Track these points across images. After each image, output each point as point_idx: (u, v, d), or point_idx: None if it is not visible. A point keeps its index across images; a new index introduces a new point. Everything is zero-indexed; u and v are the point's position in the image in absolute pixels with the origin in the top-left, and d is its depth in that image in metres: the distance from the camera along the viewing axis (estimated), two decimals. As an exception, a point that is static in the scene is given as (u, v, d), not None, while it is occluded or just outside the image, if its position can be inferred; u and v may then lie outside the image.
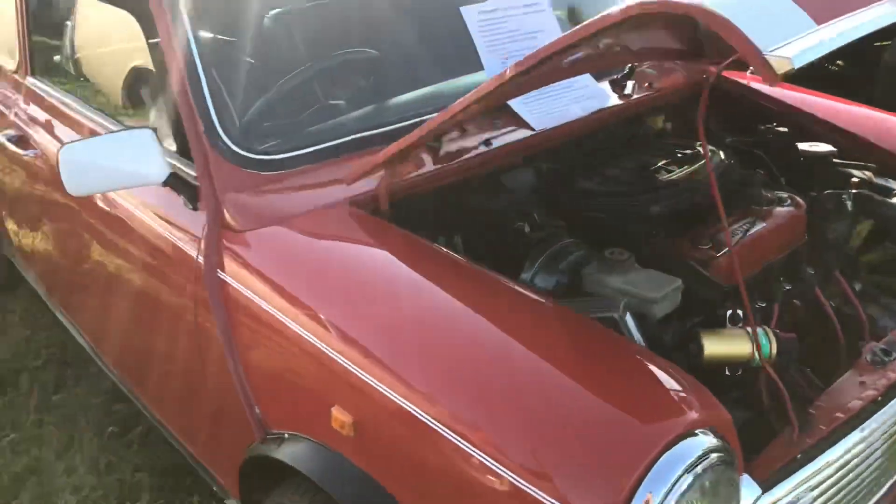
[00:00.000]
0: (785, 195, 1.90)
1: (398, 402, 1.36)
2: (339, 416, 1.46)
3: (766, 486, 1.34)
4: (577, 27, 1.37)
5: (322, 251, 1.70)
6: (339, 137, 1.86)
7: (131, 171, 1.75)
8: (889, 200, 1.99)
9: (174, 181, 1.79)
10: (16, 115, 2.71)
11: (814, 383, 1.63)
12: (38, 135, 2.54)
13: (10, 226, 3.13)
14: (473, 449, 1.27)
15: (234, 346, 1.69)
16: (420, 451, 1.36)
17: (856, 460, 1.48)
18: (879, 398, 1.52)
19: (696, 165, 1.94)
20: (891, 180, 2.08)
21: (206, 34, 1.85)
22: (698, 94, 2.40)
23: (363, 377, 1.41)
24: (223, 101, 1.80)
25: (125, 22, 2.42)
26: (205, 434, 2.03)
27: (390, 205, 1.75)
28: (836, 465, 1.44)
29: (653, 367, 1.33)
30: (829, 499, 1.45)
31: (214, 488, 2.09)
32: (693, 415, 1.25)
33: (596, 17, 1.33)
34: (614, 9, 1.33)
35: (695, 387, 1.31)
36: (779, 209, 1.86)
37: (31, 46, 2.67)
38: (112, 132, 1.86)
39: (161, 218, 1.94)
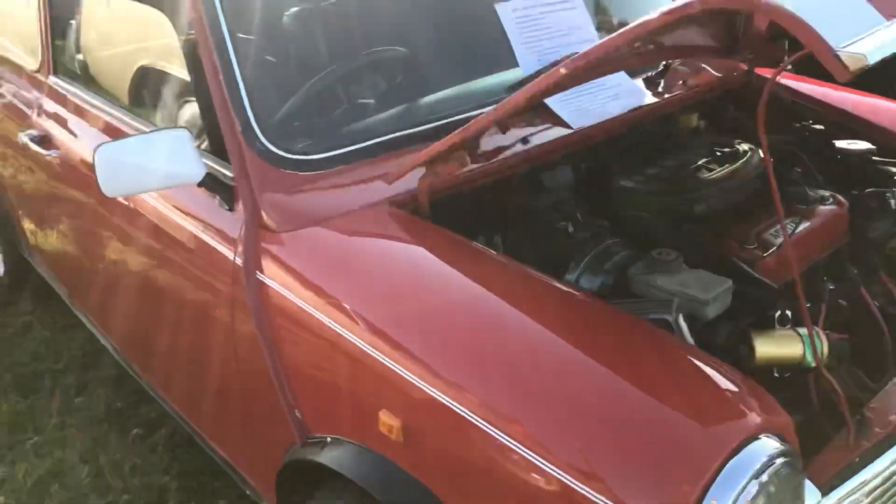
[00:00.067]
0: (827, 194, 1.88)
1: (451, 406, 1.33)
2: (388, 419, 1.43)
3: (825, 490, 1.32)
4: (637, 23, 1.34)
5: (364, 252, 1.67)
6: (375, 137, 1.83)
7: (167, 171, 1.72)
8: None
9: (209, 182, 1.77)
10: (38, 114, 2.69)
11: (866, 385, 1.60)
12: (62, 135, 2.51)
13: (29, 226, 3.11)
14: (527, 451, 1.24)
15: (273, 348, 1.67)
16: (472, 456, 1.33)
17: (913, 463, 1.45)
18: None
19: (738, 164, 1.91)
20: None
21: (241, 33, 1.82)
22: (730, 91, 2.38)
23: (413, 381, 1.38)
24: (260, 100, 1.78)
25: (138, 20, 2.41)
26: (239, 437, 2.00)
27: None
28: (894, 468, 1.42)
29: (711, 370, 1.30)
30: (886, 502, 1.43)
31: (248, 492, 2.06)
32: (756, 419, 1.22)
33: (656, 14, 1.30)
34: (676, 4, 1.30)
35: (755, 390, 1.28)
36: (822, 208, 1.84)
37: (53, 45, 2.64)
38: (146, 132, 1.83)
39: (194, 219, 1.92)
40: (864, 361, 1.69)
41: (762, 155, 1.98)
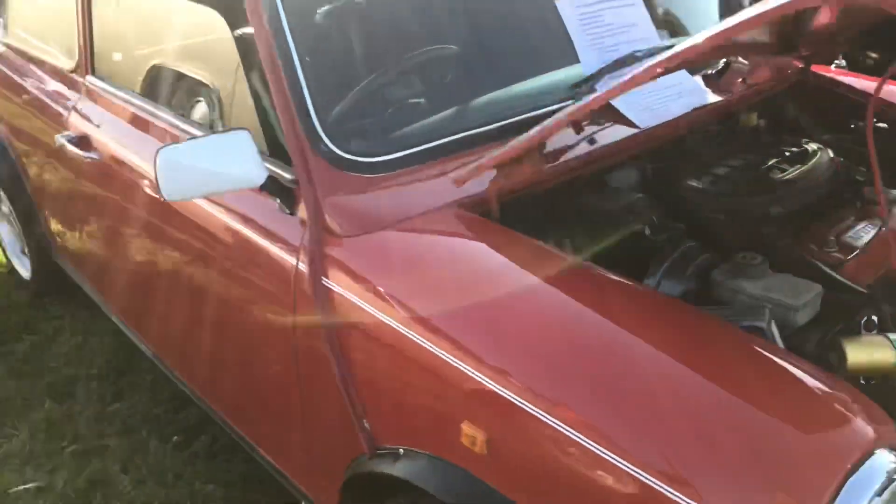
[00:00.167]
0: (902, 194, 1.83)
1: (541, 417, 1.27)
2: (470, 431, 1.38)
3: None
4: (739, 20, 1.28)
5: (436, 257, 1.61)
6: (440, 137, 1.78)
7: (229, 174, 1.66)
8: None
9: (270, 184, 1.71)
10: (74, 115, 2.63)
11: (960, 392, 1.55)
12: (103, 136, 2.46)
13: (59, 229, 3.06)
14: (621, 461, 1.18)
15: (341, 356, 1.61)
16: (561, 469, 1.28)
17: None
18: None
19: (810, 164, 1.86)
20: None
21: (302, 32, 1.76)
22: (789, 89, 2.32)
23: (499, 392, 1.33)
24: (322, 99, 1.72)
25: (181, 15, 2.35)
26: (296, 448, 1.94)
27: None
28: None
29: (817, 381, 1.25)
30: None
31: (303, 503, 2.01)
32: (870, 432, 1.17)
33: (764, 9, 1.24)
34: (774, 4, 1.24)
35: (864, 401, 1.23)
36: (898, 209, 1.79)
37: (91, 45, 2.59)
38: (202, 135, 1.78)
39: (249, 222, 1.86)
40: None
41: (831, 155, 1.93)
